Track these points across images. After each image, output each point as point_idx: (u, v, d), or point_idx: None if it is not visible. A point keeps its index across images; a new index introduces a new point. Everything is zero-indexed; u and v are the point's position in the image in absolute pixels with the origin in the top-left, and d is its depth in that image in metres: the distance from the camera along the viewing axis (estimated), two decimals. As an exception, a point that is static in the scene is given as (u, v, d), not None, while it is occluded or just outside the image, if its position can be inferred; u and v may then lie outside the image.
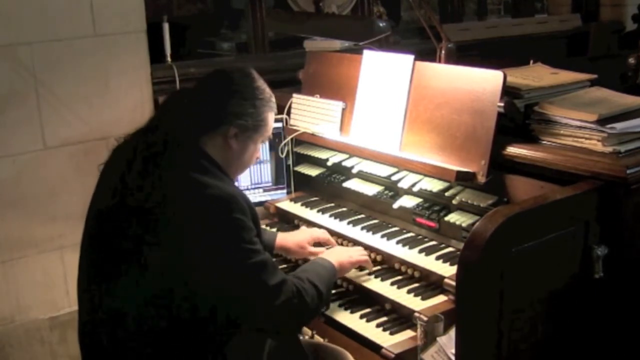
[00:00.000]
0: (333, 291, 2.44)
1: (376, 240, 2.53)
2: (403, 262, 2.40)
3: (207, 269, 1.84)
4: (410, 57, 2.55)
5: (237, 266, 1.86)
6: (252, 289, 1.87)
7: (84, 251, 2.03)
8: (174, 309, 1.86)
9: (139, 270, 1.86)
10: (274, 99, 2.14)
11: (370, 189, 2.70)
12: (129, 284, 1.87)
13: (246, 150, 2.07)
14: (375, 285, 2.38)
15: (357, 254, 2.41)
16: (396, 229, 2.60)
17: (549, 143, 2.24)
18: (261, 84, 2.11)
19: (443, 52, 2.66)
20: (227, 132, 2.01)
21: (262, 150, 2.99)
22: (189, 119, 1.98)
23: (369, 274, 2.44)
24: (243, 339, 1.97)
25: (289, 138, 2.98)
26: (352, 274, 2.43)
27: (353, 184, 2.77)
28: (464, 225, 2.33)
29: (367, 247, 2.53)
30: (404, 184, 2.50)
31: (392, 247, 2.47)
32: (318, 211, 2.83)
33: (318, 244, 2.55)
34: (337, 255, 2.31)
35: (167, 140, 1.92)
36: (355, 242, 2.57)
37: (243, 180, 3.01)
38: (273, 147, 3.03)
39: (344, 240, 2.63)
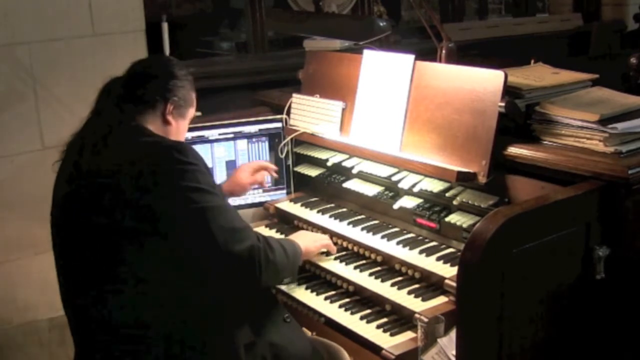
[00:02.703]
0: (333, 292, 2.48)
1: (376, 241, 2.52)
2: (403, 263, 2.39)
3: (178, 218, 1.90)
4: (410, 57, 2.54)
5: (205, 209, 1.92)
6: (221, 230, 1.93)
7: (61, 251, 2.10)
8: (163, 271, 1.91)
9: (123, 246, 1.90)
10: (192, 79, 2.27)
11: (370, 190, 2.69)
12: (119, 266, 1.92)
13: (180, 125, 2.20)
14: (376, 286, 2.37)
15: (321, 238, 2.57)
16: (396, 229, 2.59)
17: (550, 143, 2.23)
18: (181, 65, 2.25)
19: (444, 51, 2.64)
20: (165, 109, 2.13)
21: (262, 150, 3.01)
22: (128, 102, 2.10)
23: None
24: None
25: (288, 138, 2.97)
26: (317, 258, 2.54)
27: (353, 185, 2.76)
28: (464, 226, 2.32)
29: (368, 248, 2.52)
30: (404, 185, 2.49)
31: (393, 248, 2.45)
32: (318, 212, 2.82)
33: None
34: (303, 239, 2.44)
35: (111, 124, 2.05)
36: (355, 243, 2.57)
37: (242, 181, 3.00)
38: (273, 147, 3.02)
39: (344, 240, 2.62)
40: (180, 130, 2.19)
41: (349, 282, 2.45)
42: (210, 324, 1.97)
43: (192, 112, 2.25)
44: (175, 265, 1.91)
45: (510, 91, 2.31)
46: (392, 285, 2.35)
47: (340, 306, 2.39)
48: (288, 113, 3.00)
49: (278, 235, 2.81)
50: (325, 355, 2.27)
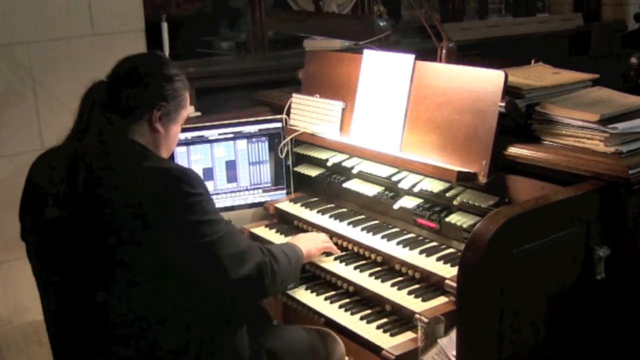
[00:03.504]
0: (333, 292, 2.48)
1: (376, 241, 2.51)
2: (403, 263, 2.39)
3: (189, 255, 1.86)
4: (410, 57, 2.54)
5: (215, 242, 1.89)
6: (230, 258, 1.92)
7: (42, 269, 2.01)
8: (167, 300, 1.87)
9: (125, 275, 1.84)
10: (185, 77, 2.13)
11: (370, 190, 2.68)
12: (117, 291, 1.86)
13: (170, 130, 2.07)
14: (376, 286, 2.36)
15: (322, 240, 2.56)
16: (397, 229, 2.58)
17: (550, 143, 2.22)
18: (172, 64, 2.11)
19: (444, 51, 2.64)
20: (152, 116, 2.00)
21: (262, 150, 3.00)
22: (114, 112, 1.97)
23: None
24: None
25: (288, 138, 2.97)
26: (317, 259, 2.54)
27: (353, 185, 2.75)
28: (464, 226, 2.32)
29: (368, 248, 2.52)
30: (404, 185, 2.49)
31: (393, 248, 2.45)
32: (318, 212, 2.82)
33: None
34: (305, 242, 2.45)
35: (104, 140, 1.93)
36: (355, 243, 2.56)
37: (242, 181, 3.00)
38: (273, 147, 3.01)
39: (344, 241, 2.62)
40: (170, 136, 2.07)
41: (349, 283, 2.45)
42: (212, 337, 1.95)
43: (184, 114, 2.11)
44: (183, 295, 1.88)
45: (510, 91, 2.31)
46: (392, 285, 2.34)
47: (340, 306, 2.39)
48: (288, 113, 2.99)
49: (278, 236, 2.81)
50: (318, 343, 2.28)
